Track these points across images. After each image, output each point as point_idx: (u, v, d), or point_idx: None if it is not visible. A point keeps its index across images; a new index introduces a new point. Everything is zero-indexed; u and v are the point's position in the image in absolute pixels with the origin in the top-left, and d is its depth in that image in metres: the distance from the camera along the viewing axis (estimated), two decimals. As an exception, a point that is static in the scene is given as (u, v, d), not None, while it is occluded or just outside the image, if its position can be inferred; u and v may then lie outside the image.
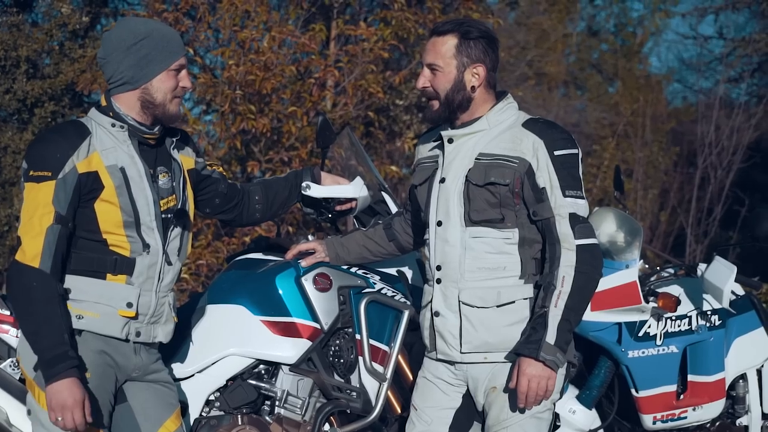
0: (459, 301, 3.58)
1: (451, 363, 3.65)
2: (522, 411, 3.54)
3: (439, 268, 3.62)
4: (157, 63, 3.49)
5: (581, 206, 3.53)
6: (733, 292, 5.13)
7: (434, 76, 3.58)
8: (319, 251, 4.13)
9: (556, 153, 3.52)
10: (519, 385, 3.44)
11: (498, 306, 3.55)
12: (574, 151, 3.57)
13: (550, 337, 3.43)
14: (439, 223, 3.62)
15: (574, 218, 3.50)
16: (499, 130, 3.60)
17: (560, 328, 3.44)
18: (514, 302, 3.55)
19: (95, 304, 3.44)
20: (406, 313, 4.21)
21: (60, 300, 3.35)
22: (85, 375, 3.37)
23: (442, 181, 3.62)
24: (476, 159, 3.58)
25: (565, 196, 3.50)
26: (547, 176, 3.51)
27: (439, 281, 3.63)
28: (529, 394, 3.44)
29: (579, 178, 3.56)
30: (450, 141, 3.64)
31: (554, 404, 3.63)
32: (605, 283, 4.84)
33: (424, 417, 3.72)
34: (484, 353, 3.57)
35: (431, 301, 3.66)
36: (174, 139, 3.66)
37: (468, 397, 3.67)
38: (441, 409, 3.70)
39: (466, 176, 3.57)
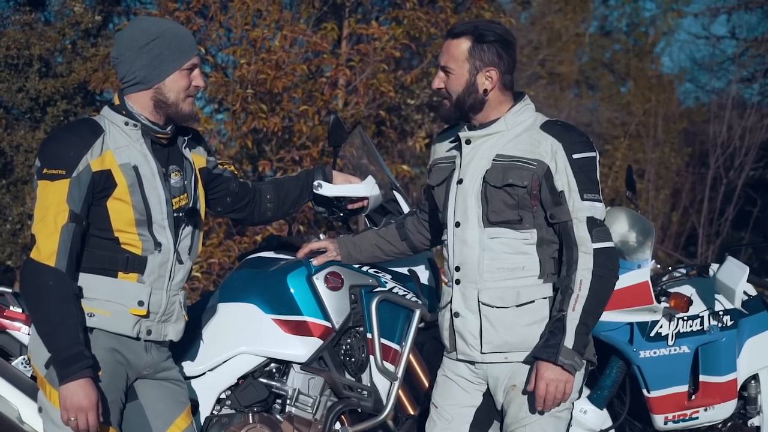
0: (479, 302, 3.58)
1: (472, 363, 3.65)
2: (538, 412, 3.54)
3: (458, 269, 3.62)
4: (170, 63, 3.49)
5: (599, 209, 3.54)
6: (745, 293, 5.11)
7: (447, 78, 3.59)
8: (331, 250, 4.13)
9: (575, 156, 3.52)
10: (537, 389, 3.44)
11: (518, 306, 3.55)
12: (592, 154, 3.57)
13: (569, 341, 3.43)
14: (458, 224, 3.62)
15: (591, 222, 3.50)
16: (516, 131, 3.59)
17: (578, 332, 3.44)
18: (533, 302, 3.55)
19: (106, 302, 3.45)
20: (418, 312, 4.21)
21: (75, 299, 3.36)
22: (98, 374, 3.38)
23: (460, 182, 3.62)
24: (494, 160, 3.57)
25: (583, 199, 3.51)
26: (565, 179, 3.51)
27: (458, 282, 3.62)
28: (547, 397, 3.44)
29: (597, 181, 3.57)
30: (467, 142, 3.63)
31: (573, 404, 3.63)
32: (617, 283, 4.83)
33: (444, 415, 3.72)
34: (505, 353, 3.57)
35: (450, 302, 3.65)
36: (186, 138, 3.67)
37: (488, 396, 3.67)
38: (462, 407, 3.69)
39: (484, 177, 3.57)
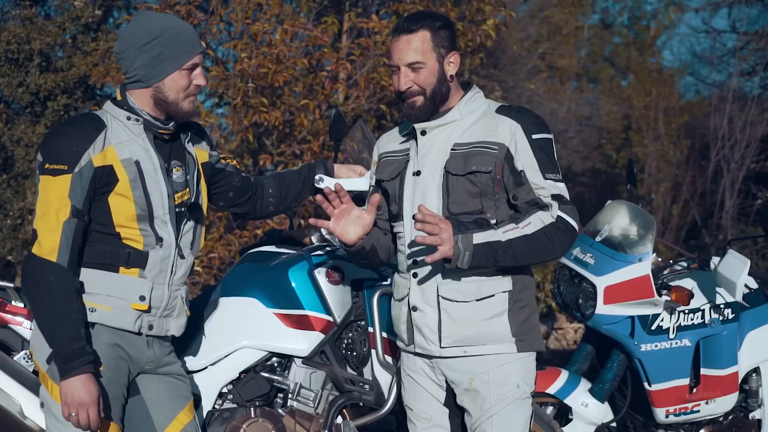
0: (438, 296, 3.54)
1: (428, 357, 3.63)
2: (503, 399, 3.52)
3: (415, 262, 3.59)
4: (170, 62, 3.48)
5: (562, 189, 3.50)
6: (746, 286, 5.12)
7: (417, 74, 3.53)
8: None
9: (534, 137, 3.50)
10: (428, 223, 3.36)
11: (477, 300, 3.52)
12: (549, 136, 3.55)
13: (478, 239, 3.39)
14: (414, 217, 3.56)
15: (558, 198, 3.47)
16: (472, 119, 3.57)
17: (489, 245, 3.39)
18: (493, 296, 3.52)
19: (108, 297, 3.45)
20: (419, 306, 4.21)
21: (76, 294, 3.36)
22: (99, 369, 3.38)
23: (417, 174, 3.58)
24: (452, 150, 3.54)
25: (545, 178, 3.47)
26: (526, 159, 3.48)
27: (415, 275, 3.59)
28: (426, 227, 3.35)
29: (555, 162, 3.54)
30: (423, 133, 3.60)
31: (532, 393, 3.59)
32: (618, 276, 4.84)
33: (422, 415, 3.70)
34: (464, 347, 3.54)
35: (408, 296, 3.62)
36: (189, 133, 3.66)
37: (449, 386, 3.65)
38: (434, 403, 3.67)
39: (444, 167, 3.54)
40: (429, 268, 3.55)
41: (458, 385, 3.59)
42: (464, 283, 3.52)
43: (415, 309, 3.59)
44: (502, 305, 3.53)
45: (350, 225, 3.62)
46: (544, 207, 3.45)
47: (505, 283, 3.53)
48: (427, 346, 3.58)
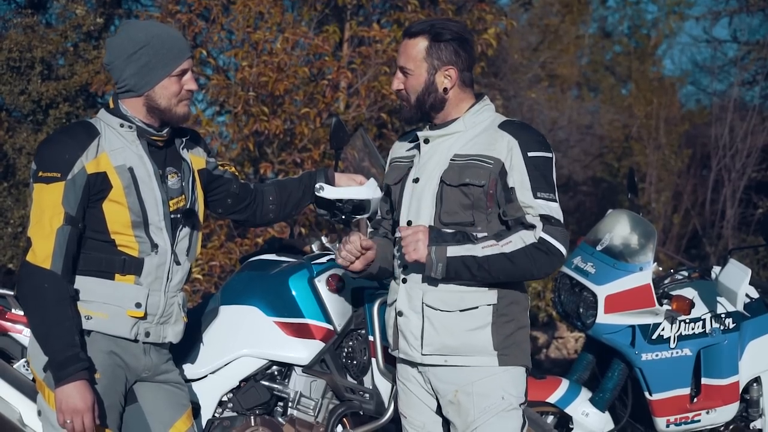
0: (423, 303, 3.54)
1: (413, 365, 3.63)
2: (487, 412, 3.51)
3: (405, 268, 3.59)
4: (158, 70, 3.48)
5: (554, 209, 3.48)
6: (747, 295, 5.12)
7: (406, 79, 3.55)
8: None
9: (530, 154, 3.48)
10: (407, 233, 3.45)
11: (461, 310, 3.51)
12: (549, 155, 3.53)
13: (452, 252, 3.41)
14: (409, 223, 3.57)
15: (545, 219, 3.45)
16: (475, 131, 3.57)
17: (464, 260, 3.40)
18: (477, 308, 3.51)
19: (104, 305, 3.45)
20: (419, 315, 4.20)
21: (71, 301, 3.36)
22: (94, 376, 3.38)
23: (416, 181, 3.59)
24: (451, 160, 3.54)
25: (536, 197, 3.45)
26: (518, 176, 3.46)
27: (404, 281, 3.59)
28: (403, 233, 3.45)
29: (552, 182, 3.52)
30: (426, 141, 3.61)
31: (521, 406, 3.58)
32: (619, 286, 4.83)
33: (415, 423, 3.69)
34: (445, 356, 3.53)
35: (396, 301, 3.62)
36: (184, 139, 3.66)
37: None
38: (427, 410, 3.66)
39: (441, 177, 3.54)
40: (418, 275, 3.55)
41: (443, 397, 3.58)
42: (448, 293, 3.52)
43: (401, 314, 3.59)
44: (485, 318, 3.51)
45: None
46: (529, 227, 3.44)
47: (490, 296, 3.52)
48: (410, 352, 3.58)
